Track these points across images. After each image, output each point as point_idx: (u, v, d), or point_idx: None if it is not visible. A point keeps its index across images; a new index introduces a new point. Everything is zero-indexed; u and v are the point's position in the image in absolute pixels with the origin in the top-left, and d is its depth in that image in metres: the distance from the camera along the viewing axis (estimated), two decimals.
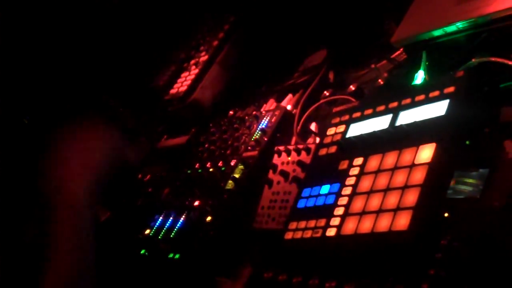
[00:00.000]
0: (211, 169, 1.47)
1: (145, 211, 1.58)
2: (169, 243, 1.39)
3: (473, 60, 1.04)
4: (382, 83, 1.26)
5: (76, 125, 1.72)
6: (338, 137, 1.13)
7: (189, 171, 1.55)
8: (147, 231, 1.49)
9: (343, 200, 1.00)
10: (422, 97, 1.01)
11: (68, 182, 1.53)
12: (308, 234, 1.01)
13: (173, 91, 1.78)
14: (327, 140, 1.15)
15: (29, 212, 1.51)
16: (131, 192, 1.72)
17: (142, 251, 1.46)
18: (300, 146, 1.26)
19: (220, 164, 1.45)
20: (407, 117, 1.02)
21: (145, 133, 1.89)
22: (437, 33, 1.13)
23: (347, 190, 1.01)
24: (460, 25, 1.09)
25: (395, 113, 1.04)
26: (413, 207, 0.87)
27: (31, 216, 1.50)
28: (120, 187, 1.75)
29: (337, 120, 1.17)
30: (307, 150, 1.24)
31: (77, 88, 1.86)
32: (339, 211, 0.99)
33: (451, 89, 0.97)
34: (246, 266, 1.22)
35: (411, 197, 0.88)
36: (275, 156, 1.31)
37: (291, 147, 1.28)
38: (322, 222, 1.00)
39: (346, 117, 1.15)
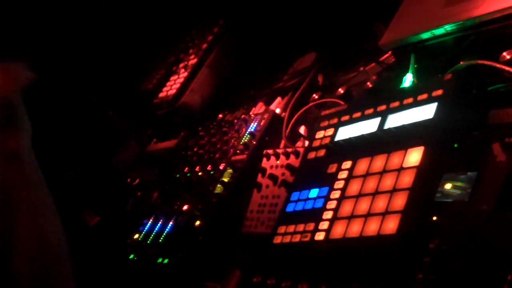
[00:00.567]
0: (200, 173, 1.46)
1: (134, 216, 1.57)
2: (158, 248, 1.38)
3: (461, 63, 1.04)
4: (370, 86, 1.26)
5: None
6: (327, 140, 1.12)
7: (178, 175, 1.54)
8: (136, 236, 1.48)
9: (332, 204, 0.99)
10: (410, 100, 1.01)
11: None
12: (297, 238, 1.00)
13: (162, 94, 1.77)
14: (316, 143, 1.15)
15: None
16: (120, 196, 1.71)
17: (131, 256, 1.45)
18: (289, 150, 1.26)
19: (209, 168, 1.44)
20: (395, 120, 1.01)
21: (134, 136, 1.88)
22: (425, 35, 1.13)
23: (335, 194, 1.00)
24: (448, 27, 1.09)
25: (384, 116, 1.04)
26: (402, 210, 0.87)
27: None
28: (109, 191, 1.74)
29: (325, 123, 1.16)
30: (296, 154, 1.24)
31: (67, 91, 1.85)
32: (328, 215, 0.98)
33: (439, 92, 0.97)
34: (235, 271, 1.21)
35: (400, 201, 0.88)
36: (264, 159, 1.30)
37: (280, 151, 1.28)
38: (311, 226, 0.99)
39: (335, 120, 1.15)
